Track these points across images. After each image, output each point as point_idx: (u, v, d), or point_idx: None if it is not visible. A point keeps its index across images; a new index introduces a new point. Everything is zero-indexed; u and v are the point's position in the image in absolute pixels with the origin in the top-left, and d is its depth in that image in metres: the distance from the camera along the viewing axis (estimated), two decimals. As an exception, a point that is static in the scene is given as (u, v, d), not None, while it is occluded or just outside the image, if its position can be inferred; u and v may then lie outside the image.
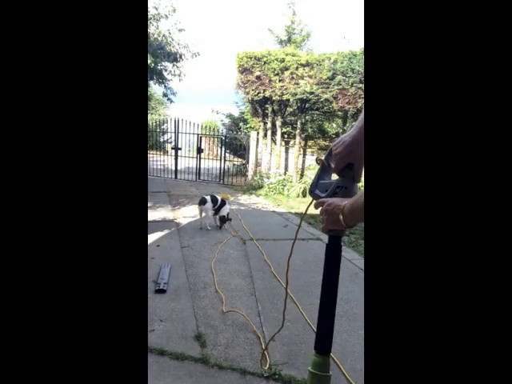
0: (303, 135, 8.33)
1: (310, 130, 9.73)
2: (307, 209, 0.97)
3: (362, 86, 6.47)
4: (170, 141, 11.88)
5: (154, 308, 2.43)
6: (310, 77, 7.08)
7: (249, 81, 7.52)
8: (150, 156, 9.26)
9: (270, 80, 7.34)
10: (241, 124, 11.25)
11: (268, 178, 7.87)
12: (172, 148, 9.53)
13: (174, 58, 7.84)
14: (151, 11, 7.16)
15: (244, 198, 6.96)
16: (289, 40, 12.57)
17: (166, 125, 11.81)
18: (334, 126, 9.90)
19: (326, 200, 0.86)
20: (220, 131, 10.20)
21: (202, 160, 8.88)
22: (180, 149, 8.88)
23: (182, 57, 7.96)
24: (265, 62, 7.31)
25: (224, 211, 4.46)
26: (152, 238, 3.96)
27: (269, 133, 8.05)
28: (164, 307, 2.47)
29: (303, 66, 7.11)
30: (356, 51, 6.81)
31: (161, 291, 2.67)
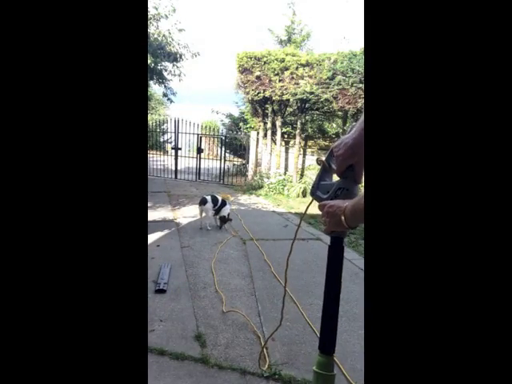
0: (303, 135, 8.33)
1: (309, 130, 9.73)
2: (307, 209, 0.97)
3: (362, 86, 6.47)
4: (170, 141, 11.88)
5: (154, 308, 2.43)
6: (310, 77, 7.08)
7: (249, 81, 7.52)
8: (150, 156, 9.26)
9: (270, 80, 7.34)
10: (241, 124, 11.25)
11: (268, 178, 7.87)
12: (172, 148, 9.53)
13: (174, 58, 7.84)
14: (151, 11, 7.16)
15: (244, 198, 6.96)
16: (289, 40, 12.57)
17: (166, 125, 11.81)
18: (334, 125, 9.90)
19: (327, 202, 0.87)
20: (220, 131, 10.20)
21: (202, 160, 8.88)
22: (180, 149, 8.88)
23: (182, 57, 7.96)
24: (265, 62, 7.31)
25: (225, 211, 4.46)
26: (152, 237, 3.95)
27: (269, 133, 8.05)
28: (164, 307, 2.47)
29: (303, 66, 7.11)
30: (356, 51, 6.81)
31: (161, 291, 2.67)
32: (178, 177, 8.85)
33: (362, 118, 0.86)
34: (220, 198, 4.51)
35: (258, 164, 8.42)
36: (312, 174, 7.56)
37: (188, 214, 5.25)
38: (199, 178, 8.81)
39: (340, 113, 7.90)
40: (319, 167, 1.00)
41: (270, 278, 3.10)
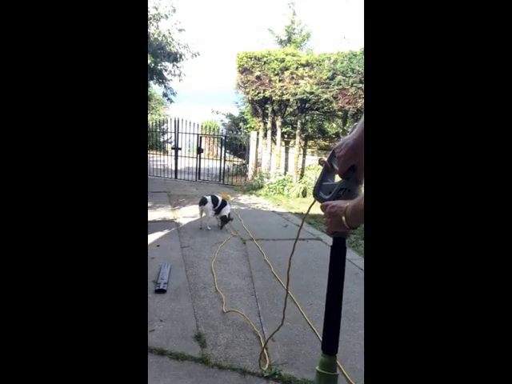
0: (303, 135, 8.33)
1: (310, 130, 9.73)
2: (309, 210, 0.97)
3: (362, 86, 6.47)
4: (170, 141, 11.88)
5: (154, 308, 2.43)
6: (310, 77, 7.08)
7: (249, 81, 7.52)
8: (150, 156, 9.26)
9: (270, 80, 7.34)
10: (241, 124, 11.25)
11: (268, 178, 7.87)
12: (172, 148, 9.53)
13: (174, 57, 7.85)
14: (151, 11, 7.16)
15: (244, 198, 6.96)
16: (289, 40, 12.57)
17: (166, 125, 11.80)
18: (334, 125, 9.90)
19: (329, 202, 0.87)
20: (220, 131, 10.19)
21: (202, 160, 8.88)
22: (180, 149, 8.88)
23: (182, 57, 7.96)
24: (265, 62, 7.31)
25: (225, 211, 4.46)
26: (152, 237, 3.95)
27: (269, 133, 8.05)
28: (164, 307, 2.47)
29: (303, 66, 7.11)
30: (356, 51, 6.81)
31: (161, 291, 2.67)
32: (178, 177, 8.85)
33: (362, 118, 0.85)
34: (220, 199, 4.51)
35: (258, 164, 8.42)
36: (312, 174, 7.56)
37: (188, 214, 5.25)
38: (199, 178, 8.81)
39: (340, 113, 7.90)
40: (320, 167, 1.00)
41: (270, 277, 3.10)
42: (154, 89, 12.71)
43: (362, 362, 2.01)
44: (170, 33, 7.61)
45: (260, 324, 2.34)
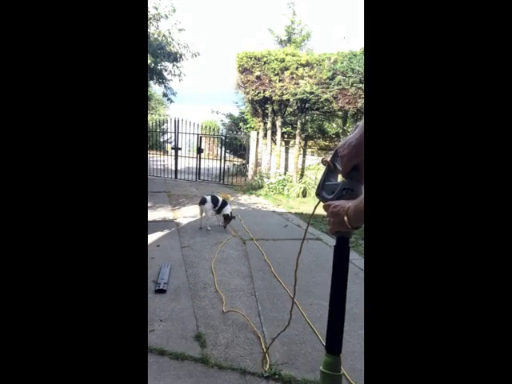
0: (303, 135, 8.33)
1: (310, 130, 9.72)
2: (314, 210, 0.97)
3: (362, 86, 6.47)
4: (170, 141, 11.87)
5: (154, 308, 2.43)
6: (310, 77, 7.08)
7: (249, 81, 7.52)
8: (150, 156, 9.26)
9: (270, 80, 7.34)
10: (241, 124, 11.25)
11: (268, 178, 7.86)
12: (172, 148, 9.52)
13: (174, 57, 7.84)
14: (151, 11, 7.16)
15: (244, 198, 6.96)
16: (289, 40, 12.56)
17: (166, 125, 11.80)
18: (334, 125, 9.90)
19: (332, 202, 0.87)
20: (220, 131, 10.19)
21: (202, 160, 8.88)
22: (180, 149, 8.88)
23: (182, 57, 7.96)
24: (265, 62, 7.31)
25: (227, 210, 4.44)
26: (152, 238, 3.95)
27: (269, 133, 8.05)
28: (164, 307, 2.47)
29: (303, 65, 7.11)
30: (356, 51, 6.81)
31: (161, 291, 2.67)
32: (178, 177, 8.85)
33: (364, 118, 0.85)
34: (221, 199, 4.51)
35: (258, 164, 8.42)
36: (312, 174, 7.56)
37: (188, 213, 5.25)
38: (199, 178, 8.81)
39: (340, 113, 7.90)
40: (321, 167, 1.01)
41: (270, 278, 3.10)
42: (154, 89, 12.71)
43: (362, 362, 2.01)
44: (170, 33, 7.61)
45: (260, 324, 2.34)
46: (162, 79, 8.31)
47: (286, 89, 7.25)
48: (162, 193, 6.92)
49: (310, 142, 8.62)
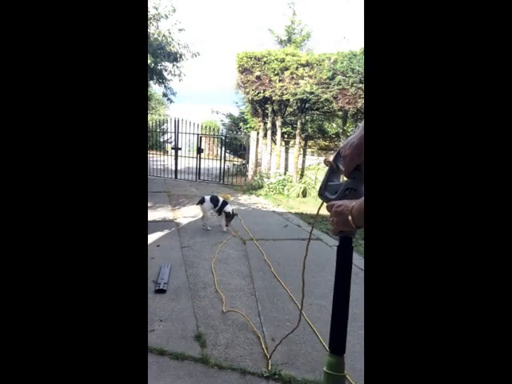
0: (303, 135, 8.33)
1: (310, 130, 9.72)
2: (318, 211, 0.97)
3: (362, 86, 6.47)
4: (170, 141, 11.87)
5: (154, 308, 2.43)
6: (310, 77, 7.08)
7: (249, 81, 7.52)
8: (150, 156, 9.26)
9: (270, 80, 7.34)
10: (241, 124, 11.25)
11: (268, 178, 7.86)
12: (172, 148, 9.52)
13: (174, 57, 7.84)
14: (151, 11, 7.16)
15: (244, 198, 6.96)
16: (289, 40, 12.56)
17: (166, 125, 11.80)
18: (334, 125, 9.90)
19: (335, 202, 0.87)
20: (220, 131, 10.19)
21: (202, 160, 8.88)
22: (180, 149, 8.88)
23: (182, 57, 7.96)
24: (265, 62, 7.31)
25: (227, 209, 4.43)
26: (152, 238, 3.95)
27: (269, 133, 8.05)
28: (164, 307, 2.47)
29: (303, 66, 7.10)
30: (356, 51, 6.81)
31: (161, 291, 2.67)
32: (178, 177, 8.85)
33: None
34: (221, 199, 4.50)
35: (258, 164, 8.42)
36: (312, 174, 7.56)
37: (188, 214, 5.25)
38: (199, 178, 8.81)
39: (340, 113, 7.89)
40: (322, 167, 1.01)
41: (270, 278, 3.10)
42: (154, 89, 12.72)
43: (362, 362, 2.01)
44: (170, 33, 7.61)
45: (260, 324, 2.34)
46: (162, 79, 8.31)
47: (286, 89, 7.25)
48: (162, 193, 6.92)
49: (310, 142, 8.62)
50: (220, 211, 4.42)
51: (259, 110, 8.15)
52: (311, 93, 7.05)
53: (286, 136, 8.79)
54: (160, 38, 7.40)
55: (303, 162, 8.26)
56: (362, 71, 6.29)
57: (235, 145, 10.22)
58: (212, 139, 12.55)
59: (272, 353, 1.94)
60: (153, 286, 2.74)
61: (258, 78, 7.43)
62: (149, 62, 6.70)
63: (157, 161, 9.34)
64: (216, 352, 2.01)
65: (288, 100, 7.49)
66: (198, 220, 4.64)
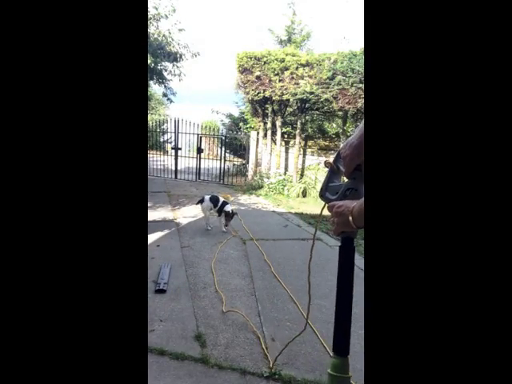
0: (303, 135, 8.33)
1: (310, 130, 9.72)
2: (321, 213, 0.97)
3: (362, 86, 6.47)
4: (170, 141, 11.87)
5: (154, 308, 2.43)
6: (310, 77, 7.08)
7: (249, 81, 7.52)
8: (150, 156, 9.26)
9: (270, 80, 7.34)
10: (241, 124, 11.25)
11: (268, 178, 7.86)
12: (172, 148, 9.52)
13: (174, 57, 7.84)
14: (151, 11, 7.16)
15: (244, 198, 6.96)
16: (289, 40, 12.57)
17: (166, 125, 11.80)
18: (334, 125, 9.90)
19: (336, 203, 0.87)
20: (220, 131, 10.19)
21: (202, 160, 8.88)
22: (180, 149, 8.88)
23: (182, 57, 7.96)
24: (265, 62, 7.31)
25: (227, 208, 4.42)
26: (152, 238, 3.95)
27: (269, 133, 8.05)
28: (164, 307, 2.47)
29: (303, 65, 7.11)
30: (356, 51, 6.81)
31: (161, 291, 2.67)
32: (178, 177, 8.85)
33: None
34: (221, 199, 4.49)
35: (258, 164, 8.42)
36: (312, 174, 7.56)
37: (188, 213, 5.25)
38: (199, 178, 8.81)
39: (340, 113, 7.89)
40: (323, 168, 1.01)
41: (270, 278, 3.10)
42: (154, 89, 12.72)
43: (362, 362, 2.00)
44: (170, 33, 7.61)
45: (260, 324, 2.34)
46: (162, 79, 8.31)
47: (286, 89, 7.25)
48: (162, 193, 6.92)
49: (310, 142, 8.62)
50: (220, 211, 4.42)
51: (259, 110, 8.16)
52: (311, 93, 7.05)
53: (285, 136, 8.79)
54: (160, 38, 7.40)
55: (303, 162, 8.26)
56: (362, 71, 6.29)
57: (235, 145, 10.22)
58: (212, 139, 12.55)
59: (278, 356, 1.92)
60: (153, 285, 2.74)
61: (258, 77, 7.43)
62: (149, 62, 6.70)
63: (157, 161, 9.34)
64: (216, 352, 2.01)
65: (288, 100, 7.49)
66: (198, 220, 4.64)
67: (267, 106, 7.94)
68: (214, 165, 9.42)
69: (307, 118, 9.10)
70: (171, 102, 9.33)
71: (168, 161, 9.20)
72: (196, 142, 9.15)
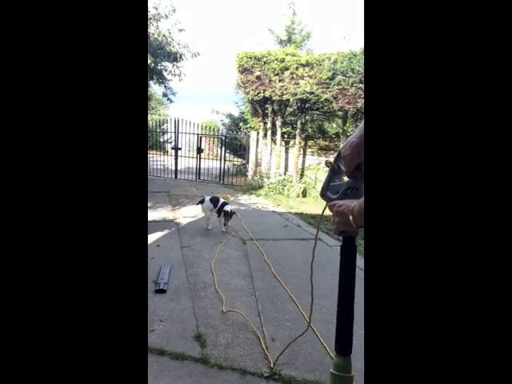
0: (303, 135, 8.33)
1: (310, 130, 9.72)
2: (322, 213, 0.97)
3: (362, 86, 6.47)
4: (170, 141, 11.87)
5: (154, 308, 2.43)
6: (310, 77, 7.08)
7: (249, 81, 7.52)
8: (150, 156, 9.26)
9: (270, 80, 7.34)
10: (241, 124, 11.25)
11: (268, 178, 7.86)
12: (172, 148, 9.52)
13: (174, 57, 7.84)
14: (151, 11, 7.16)
15: (244, 198, 6.96)
16: (289, 40, 12.56)
17: (166, 125, 11.80)
18: (334, 125, 9.89)
19: (337, 202, 0.87)
20: (220, 131, 10.18)
21: (202, 160, 8.88)
22: (180, 149, 8.87)
23: (182, 57, 7.96)
24: (265, 62, 7.31)
25: (227, 208, 4.42)
26: (152, 238, 3.95)
27: (269, 133, 8.05)
28: (164, 307, 2.47)
29: (303, 65, 7.10)
30: (356, 51, 6.81)
31: (161, 291, 2.67)
32: (178, 177, 8.85)
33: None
34: (222, 200, 4.49)
35: (258, 164, 8.42)
36: (312, 174, 7.55)
37: (188, 214, 5.24)
38: (199, 178, 8.81)
39: (340, 113, 7.89)
40: (323, 168, 1.01)
41: (270, 278, 3.10)
42: (154, 89, 12.71)
43: (362, 362, 2.00)
44: (170, 33, 7.61)
45: (260, 324, 2.34)
46: (162, 79, 8.31)
47: (286, 89, 7.25)
48: (162, 193, 6.92)
49: (309, 142, 8.62)
50: (219, 212, 4.42)
51: (259, 110, 8.16)
52: (311, 93, 7.05)
53: (285, 136, 8.79)
54: (160, 38, 7.40)
55: (303, 162, 8.26)
56: (362, 71, 6.29)
57: (235, 145, 10.22)
58: (212, 139, 12.55)
59: (279, 356, 1.92)
60: (153, 285, 2.75)
61: (258, 77, 7.43)
62: (149, 62, 6.70)
63: (157, 161, 9.33)
64: (216, 352, 2.01)
65: (288, 100, 7.49)
66: (198, 220, 4.64)
67: (267, 106, 7.94)
68: (214, 165, 9.42)
69: (307, 118, 9.10)
70: (171, 102, 9.33)
71: (168, 161, 9.19)
72: (196, 142, 9.15)
